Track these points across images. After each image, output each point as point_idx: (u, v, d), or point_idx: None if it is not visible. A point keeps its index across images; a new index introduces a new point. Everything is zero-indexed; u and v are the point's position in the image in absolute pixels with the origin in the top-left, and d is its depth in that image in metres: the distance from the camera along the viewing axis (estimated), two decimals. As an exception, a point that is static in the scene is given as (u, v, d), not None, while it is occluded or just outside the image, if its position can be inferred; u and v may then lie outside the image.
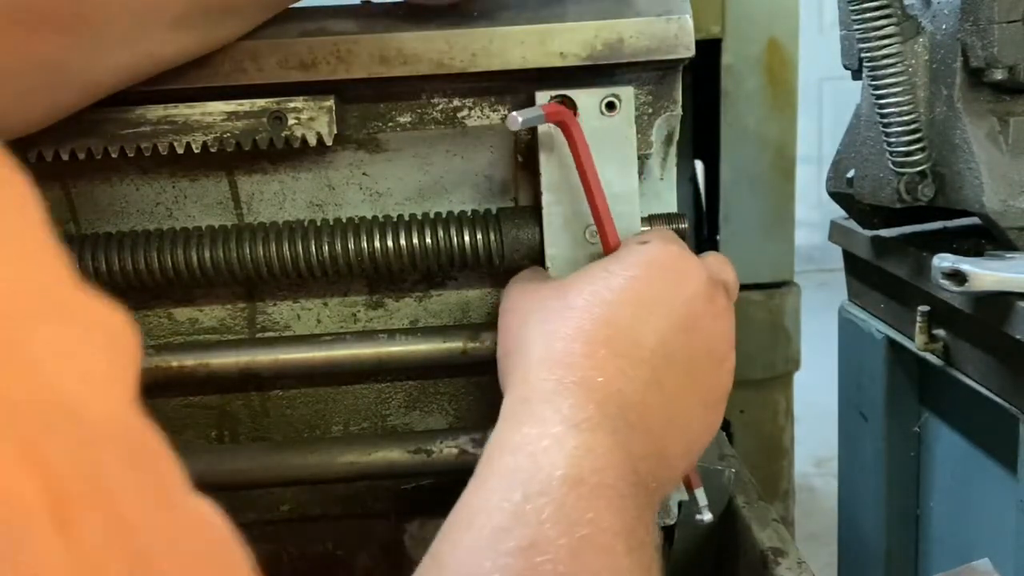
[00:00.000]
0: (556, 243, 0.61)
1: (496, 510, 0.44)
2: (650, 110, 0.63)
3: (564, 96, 0.60)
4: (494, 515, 0.44)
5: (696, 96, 1.20)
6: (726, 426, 1.24)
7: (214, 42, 0.58)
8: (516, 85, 0.62)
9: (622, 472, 0.46)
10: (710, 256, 0.59)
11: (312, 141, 0.60)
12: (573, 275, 0.55)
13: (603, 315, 0.51)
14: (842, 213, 0.86)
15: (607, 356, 0.50)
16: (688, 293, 0.53)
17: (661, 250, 0.54)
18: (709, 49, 1.18)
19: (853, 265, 0.91)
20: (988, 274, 0.61)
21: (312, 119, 0.60)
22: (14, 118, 0.55)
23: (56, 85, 0.54)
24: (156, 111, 0.60)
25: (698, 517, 0.61)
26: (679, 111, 0.64)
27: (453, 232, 0.62)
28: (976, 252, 0.68)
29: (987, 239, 0.71)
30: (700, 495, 0.60)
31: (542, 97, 0.60)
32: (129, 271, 0.61)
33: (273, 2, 0.58)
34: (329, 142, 0.61)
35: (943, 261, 0.63)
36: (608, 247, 0.58)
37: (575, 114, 0.59)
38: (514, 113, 0.54)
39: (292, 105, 0.60)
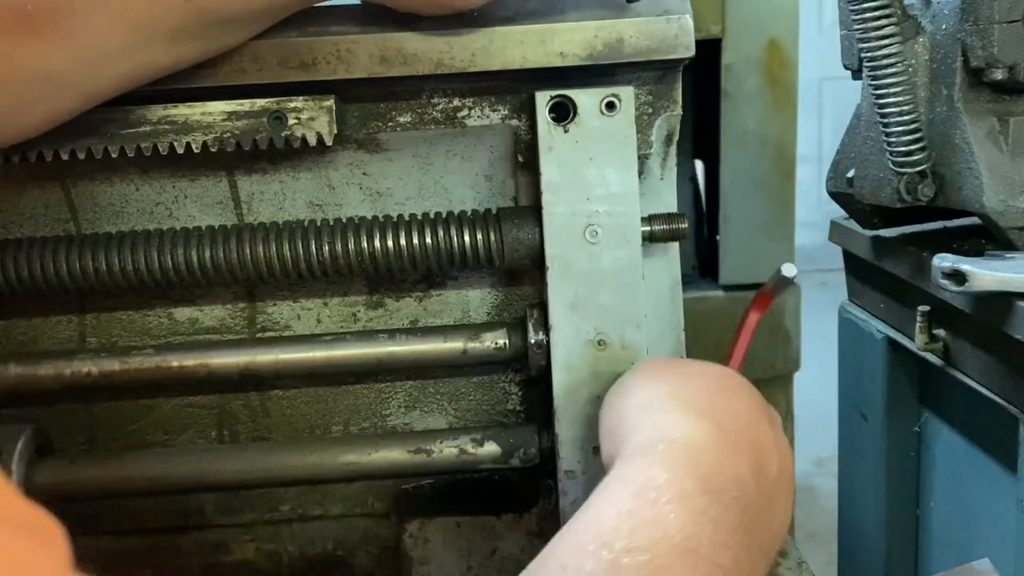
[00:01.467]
0: (556, 243, 0.61)
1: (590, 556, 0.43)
2: (650, 110, 0.63)
3: (564, 96, 0.60)
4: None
5: (696, 96, 1.20)
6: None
7: (212, 52, 0.58)
8: (516, 85, 0.62)
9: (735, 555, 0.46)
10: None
11: (312, 141, 0.60)
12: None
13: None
14: (842, 213, 0.86)
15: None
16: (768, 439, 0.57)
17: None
18: (709, 49, 1.18)
19: (853, 265, 0.91)
20: (988, 274, 0.61)
21: (312, 119, 0.60)
22: (13, 125, 0.55)
23: (56, 95, 0.54)
24: (156, 111, 0.60)
25: None
26: (679, 111, 0.64)
27: (453, 232, 0.62)
28: (976, 252, 0.68)
29: (987, 239, 0.71)
30: None
31: (542, 97, 0.60)
32: (129, 271, 0.61)
33: (270, 14, 0.58)
34: (329, 142, 0.61)
35: (943, 261, 0.63)
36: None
37: (576, 113, 0.60)
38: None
39: (292, 105, 0.60)
